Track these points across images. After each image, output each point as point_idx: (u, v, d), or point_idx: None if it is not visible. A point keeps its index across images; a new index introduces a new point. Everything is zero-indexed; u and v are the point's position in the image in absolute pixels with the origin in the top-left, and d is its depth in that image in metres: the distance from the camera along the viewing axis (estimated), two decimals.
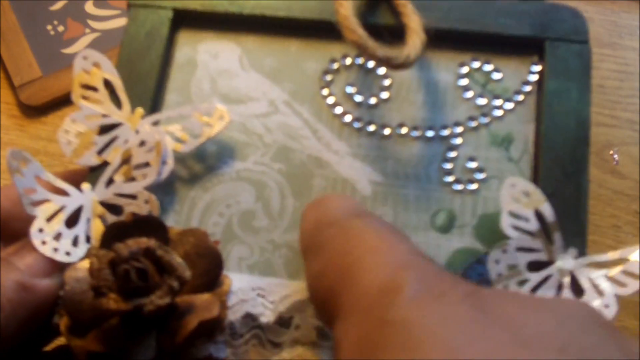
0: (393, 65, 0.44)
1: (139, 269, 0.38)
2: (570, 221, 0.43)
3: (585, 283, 0.41)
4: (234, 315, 0.40)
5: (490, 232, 0.44)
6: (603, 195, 0.60)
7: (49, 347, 0.44)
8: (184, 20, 0.49)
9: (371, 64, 0.48)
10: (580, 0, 0.65)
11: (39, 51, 0.68)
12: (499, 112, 0.46)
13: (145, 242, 0.40)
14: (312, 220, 0.38)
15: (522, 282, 0.41)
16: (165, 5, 0.48)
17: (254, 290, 0.41)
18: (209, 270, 0.41)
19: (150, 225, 0.41)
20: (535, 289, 0.41)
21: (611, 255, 0.42)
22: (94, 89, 0.46)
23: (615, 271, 0.41)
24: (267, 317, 0.40)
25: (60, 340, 0.41)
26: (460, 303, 0.28)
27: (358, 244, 0.33)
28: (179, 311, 0.39)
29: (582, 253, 0.42)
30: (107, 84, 0.46)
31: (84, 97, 0.46)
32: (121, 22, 0.69)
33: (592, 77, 0.46)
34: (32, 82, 0.66)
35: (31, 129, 0.65)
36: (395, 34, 0.45)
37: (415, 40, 0.44)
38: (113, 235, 0.41)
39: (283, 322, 0.41)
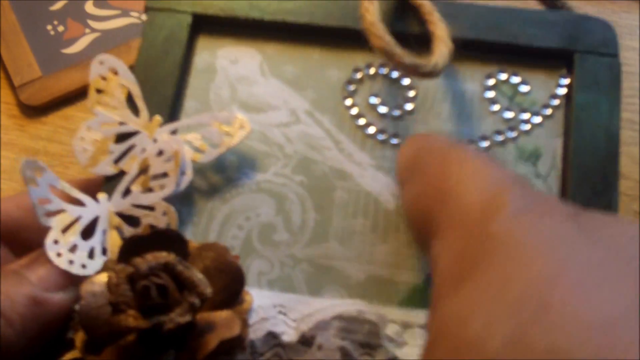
0: (420, 73, 0.42)
1: (159, 285, 0.37)
2: None
3: None
4: (254, 334, 0.39)
5: None
6: None
7: None
8: (203, 25, 0.48)
9: (395, 74, 0.47)
10: (580, 0, 0.65)
11: (39, 51, 0.67)
12: (526, 126, 0.45)
13: (164, 256, 0.38)
14: (411, 149, 0.38)
15: None
16: (184, 9, 0.47)
17: (275, 307, 0.40)
18: (230, 286, 0.39)
19: (170, 239, 0.40)
20: None
21: None
22: (110, 95, 0.45)
23: None
24: (289, 335, 0.39)
25: (72, 354, 0.40)
26: (564, 222, 0.28)
27: (458, 168, 0.33)
28: (199, 329, 0.38)
29: None
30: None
31: (100, 104, 0.45)
32: (121, 22, 0.68)
33: None
34: (32, 82, 0.65)
35: (31, 129, 0.64)
36: (421, 41, 0.44)
37: (442, 48, 0.43)
38: (131, 248, 0.39)
39: (305, 340, 0.39)
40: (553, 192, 0.43)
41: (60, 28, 0.68)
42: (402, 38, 0.43)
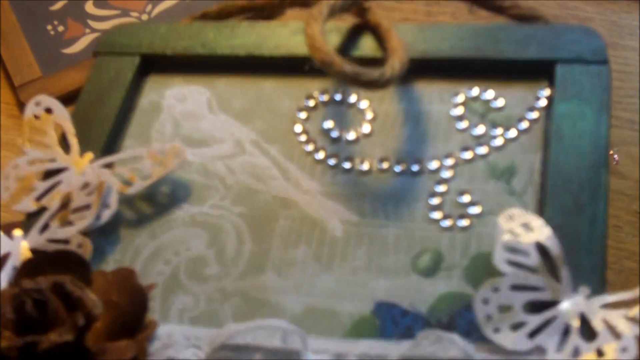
0: (364, 82, 0.38)
1: (37, 300, 0.33)
2: (584, 255, 0.34)
3: (598, 324, 0.32)
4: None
5: (484, 273, 0.35)
6: None
7: None
8: (154, 65, 0.46)
9: (353, 98, 0.42)
10: (580, 0, 0.63)
11: (39, 51, 0.67)
12: (499, 142, 0.39)
13: (56, 278, 0.34)
14: None
15: (517, 326, 0.33)
16: (132, 51, 0.45)
17: (189, 339, 0.34)
18: (130, 310, 0.34)
19: (70, 262, 0.35)
20: (534, 333, 0.32)
21: (630, 294, 0.33)
22: (43, 133, 0.42)
23: (635, 311, 0.32)
24: None
25: None
26: None
27: None
28: (89, 357, 0.33)
29: (598, 293, 0.33)
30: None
31: (32, 142, 0.42)
32: (121, 22, 0.68)
33: None
34: (32, 82, 0.65)
35: None
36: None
37: (393, 60, 0.40)
38: (29, 272, 0.35)
39: None
40: (529, 209, 0.37)
41: (61, 28, 0.68)
42: (364, 63, 0.40)
